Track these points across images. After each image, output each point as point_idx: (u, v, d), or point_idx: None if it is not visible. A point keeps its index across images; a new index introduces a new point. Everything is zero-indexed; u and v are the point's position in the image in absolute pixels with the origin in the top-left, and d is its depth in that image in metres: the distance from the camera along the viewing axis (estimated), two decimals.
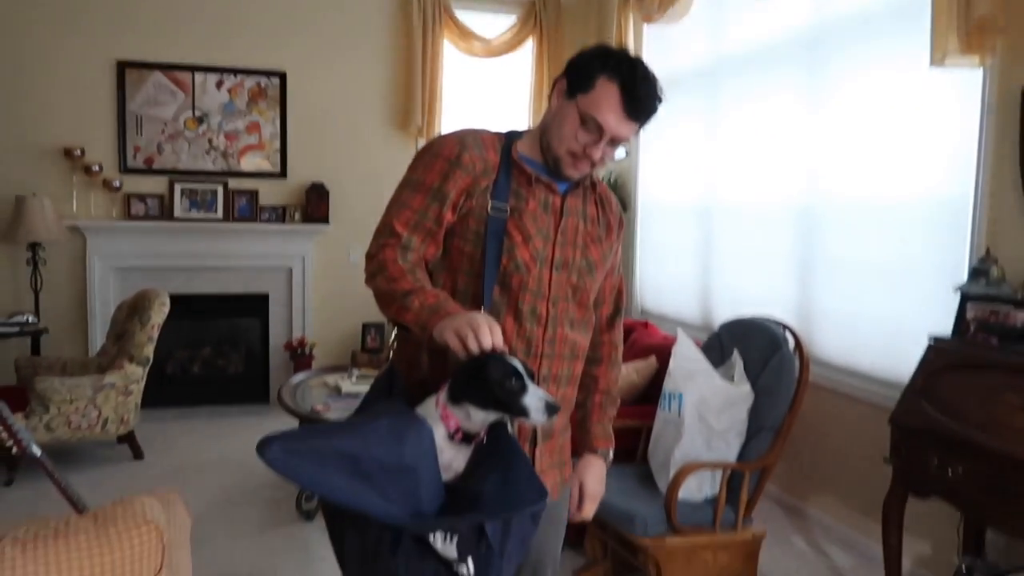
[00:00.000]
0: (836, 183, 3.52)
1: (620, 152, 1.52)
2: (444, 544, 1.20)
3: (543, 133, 1.54)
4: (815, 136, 3.64)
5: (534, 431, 1.56)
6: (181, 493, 2.46)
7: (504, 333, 1.49)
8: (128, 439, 4.32)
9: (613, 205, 1.69)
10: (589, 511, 1.68)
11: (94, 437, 4.08)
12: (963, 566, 2.53)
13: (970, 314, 2.48)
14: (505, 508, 1.21)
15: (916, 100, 3.08)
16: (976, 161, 2.79)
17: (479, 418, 1.30)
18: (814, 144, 3.65)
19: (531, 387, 1.27)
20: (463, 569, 1.21)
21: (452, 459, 1.32)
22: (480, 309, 1.46)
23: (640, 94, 1.44)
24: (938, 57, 2.71)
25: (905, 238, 3.14)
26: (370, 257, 1.49)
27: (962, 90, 2.86)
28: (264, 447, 1.16)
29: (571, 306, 1.57)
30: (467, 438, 1.32)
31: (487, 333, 1.26)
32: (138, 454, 4.33)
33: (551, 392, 1.55)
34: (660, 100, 1.49)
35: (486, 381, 1.25)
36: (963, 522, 2.64)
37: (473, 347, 1.26)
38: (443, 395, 1.32)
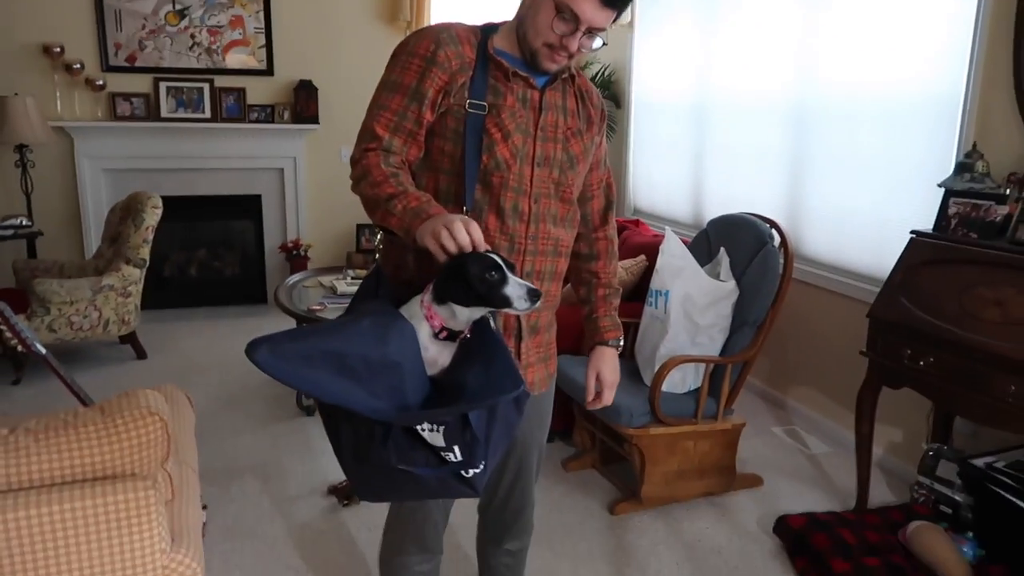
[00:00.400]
0: (829, 78, 3.47)
1: (597, 42, 1.49)
2: (432, 434, 1.26)
3: (519, 25, 1.50)
4: (810, 27, 3.57)
5: (519, 327, 1.61)
6: (185, 391, 2.56)
7: (487, 231, 1.51)
8: (131, 339, 4.42)
9: (594, 97, 1.67)
10: (609, 398, 1.78)
11: (97, 338, 4.17)
12: (929, 451, 2.67)
13: (952, 209, 2.51)
14: (485, 397, 1.26)
15: None
16: (970, 55, 2.75)
17: (463, 316, 1.33)
18: (808, 36, 3.58)
19: (511, 278, 1.30)
20: (450, 456, 1.27)
21: (438, 356, 1.36)
22: (462, 209, 1.48)
23: None
24: None
25: (895, 133, 3.13)
26: (354, 163, 1.49)
27: None
28: (252, 350, 1.19)
29: (554, 202, 1.58)
30: (452, 336, 1.36)
31: (462, 231, 1.27)
32: (141, 354, 4.45)
33: None
34: None
35: (467, 278, 1.28)
36: (933, 411, 2.76)
37: (450, 247, 1.27)
38: (427, 296, 1.35)
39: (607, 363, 1.76)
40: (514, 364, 1.32)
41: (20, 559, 1.51)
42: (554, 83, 1.56)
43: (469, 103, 1.47)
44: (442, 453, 1.28)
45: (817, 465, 3.28)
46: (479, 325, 1.38)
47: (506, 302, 1.30)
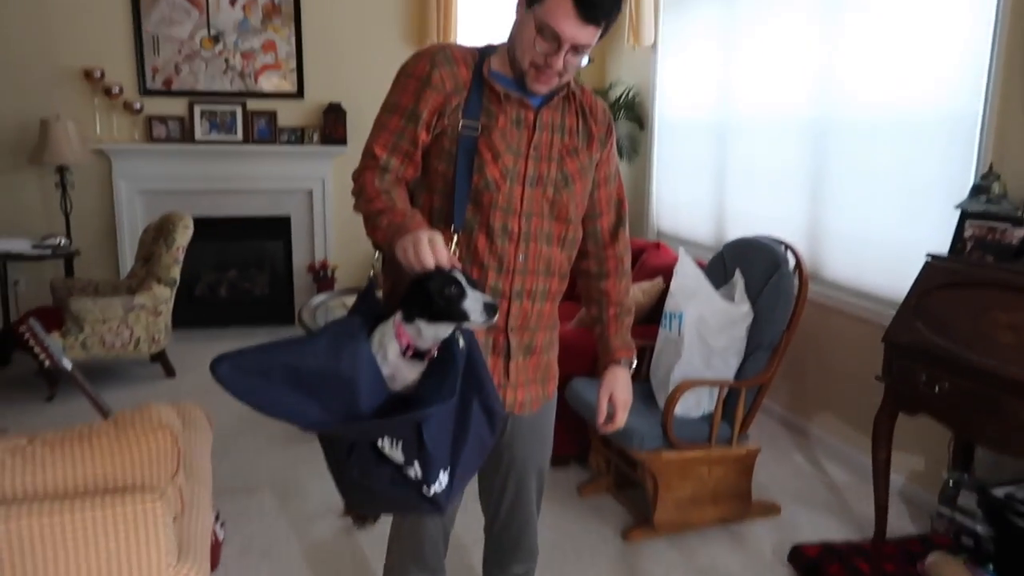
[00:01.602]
0: (848, 98, 3.46)
1: (584, 59, 1.50)
2: (392, 449, 1.29)
3: (510, 47, 1.53)
4: (828, 49, 3.57)
5: (507, 346, 1.63)
6: (210, 408, 2.61)
7: (476, 250, 1.54)
8: (160, 358, 4.52)
9: (598, 113, 1.67)
10: (622, 420, 1.74)
11: (128, 356, 4.28)
12: (950, 481, 2.61)
13: (968, 232, 2.47)
14: (420, 408, 1.27)
15: (929, 11, 2.99)
16: (987, 74, 2.73)
17: (429, 333, 1.36)
18: (828, 55, 3.58)
19: (470, 292, 1.32)
20: (411, 473, 1.30)
21: (407, 373, 1.39)
22: (451, 228, 1.51)
23: None
24: None
25: (914, 155, 3.10)
26: (354, 180, 1.56)
27: (975, 1, 2.77)
28: (216, 364, 1.25)
29: (546, 221, 1.59)
30: (419, 355, 1.38)
31: (426, 250, 1.30)
32: (170, 372, 4.54)
33: (526, 308, 1.61)
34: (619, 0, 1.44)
35: (428, 293, 1.31)
36: (953, 439, 2.70)
37: (415, 264, 1.31)
38: (399, 314, 1.39)
39: (619, 383, 1.73)
40: (457, 379, 1.32)
41: (32, 566, 1.56)
42: (551, 102, 1.57)
43: (462, 124, 1.51)
44: (404, 469, 1.30)
45: (837, 493, 3.22)
46: (446, 344, 1.39)
47: (464, 316, 1.32)
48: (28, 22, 4.95)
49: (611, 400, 1.73)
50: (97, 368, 4.55)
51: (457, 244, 1.54)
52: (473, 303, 1.32)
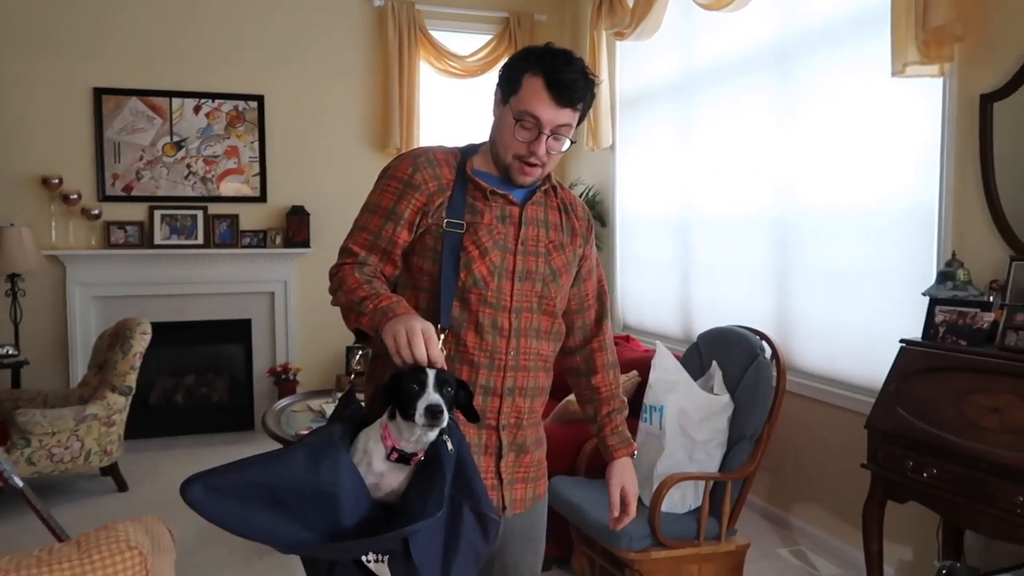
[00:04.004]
0: (808, 192, 3.59)
1: (565, 144, 1.53)
2: (377, 565, 1.23)
3: (492, 144, 1.57)
4: (786, 146, 3.72)
5: (499, 444, 1.58)
6: (166, 524, 2.45)
7: (466, 347, 1.52)
8: (112, 471, 4.27)
9: (578, 209, 1.70)
10: (633, 509, 1.72)
11: (77, 469, 4.04)
12: (942, 570, 2.56)
13: (939, 317, 2.53)
14: (404, 525, 1.21)
15: (882, 108, 3.16)
16: (940, 167, 2.87)
17: (412, 435, 1.30)
18: (785, 154, 3.73)
19: (428, 393, 1.26)
20: None
21: (392, 480, 1.33)
22: (438, 326, 1.48)
23: (564, 79, 1.46)
24: (899, 67, 2.78)
25: (876, 244, 3.21)
26: (331, 276, 1.54)
27: (925, 97, 2.94)
28: (187, 487, 1.18)
29: (535, 316, 1.59)
30: (404, 458, 1.32)
31: (420, 344, 1.28)
32: (122, 486, 4.29)
33: (519, 406, 1.58)
34: (592, 81, 1.50)
35: (400, 387, 1.28)
36: (942, 525, 2.68)
37: (406, 355, 1.28)
38: (386, 415, 1.33)
39: (628, 475, 1.72)
40: (443, 490, 1.26)
41: None
42: (534, 197, 1.60)
43: (447, 222, 1.51)
44: None
45: None
46: (433, 447, 1.33)
47: (410, 416, 1.27)
48: None
49: (623, 493, 1.71)
50: (43, 484, 4.28)
51: (445, 342, 1.51)
52: (420, 404, 1.25)
